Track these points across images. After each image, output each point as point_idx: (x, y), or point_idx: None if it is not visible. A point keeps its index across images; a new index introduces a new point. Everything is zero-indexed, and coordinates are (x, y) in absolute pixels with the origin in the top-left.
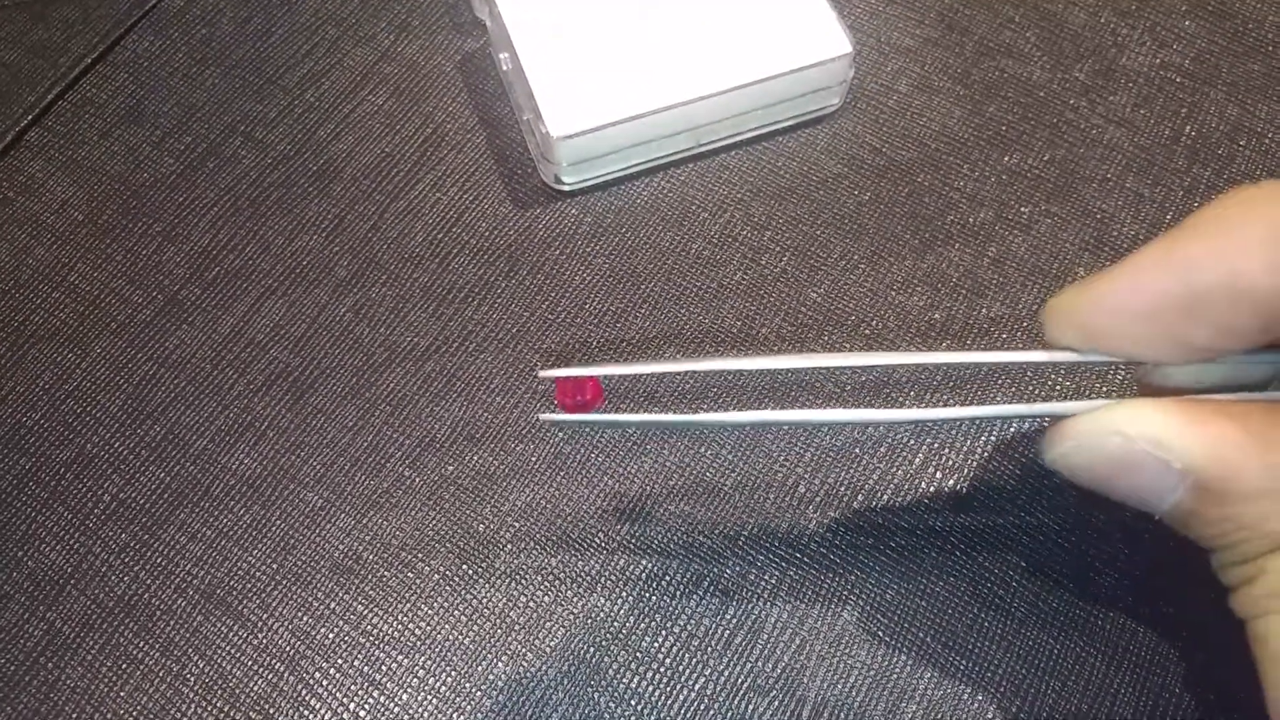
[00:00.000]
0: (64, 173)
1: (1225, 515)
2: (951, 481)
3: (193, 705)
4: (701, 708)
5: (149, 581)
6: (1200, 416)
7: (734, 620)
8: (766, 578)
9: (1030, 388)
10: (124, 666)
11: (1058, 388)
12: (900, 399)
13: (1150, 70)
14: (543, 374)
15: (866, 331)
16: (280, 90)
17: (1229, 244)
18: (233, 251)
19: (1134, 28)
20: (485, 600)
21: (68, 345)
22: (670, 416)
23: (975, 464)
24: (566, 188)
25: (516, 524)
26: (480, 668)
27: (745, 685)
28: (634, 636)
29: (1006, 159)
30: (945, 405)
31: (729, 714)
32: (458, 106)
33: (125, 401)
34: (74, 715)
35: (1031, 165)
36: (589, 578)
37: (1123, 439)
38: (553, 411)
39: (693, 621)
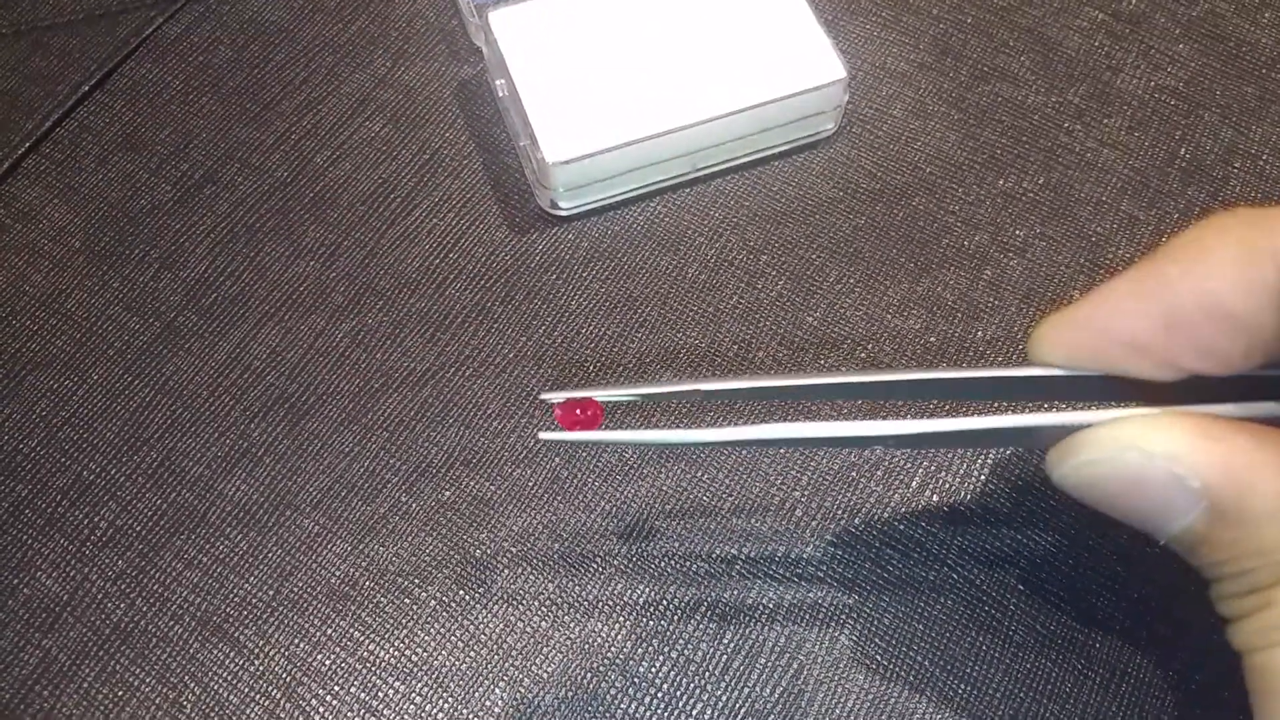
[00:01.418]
0: (61, 199)
1: (1237, 539)
2: (948, 505)
3: None
4: None
5: (145, 609)
6: (1217, 432)
7: (731, 644)
8: (764, 602)
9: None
10: (120, 694)
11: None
12: None
13: (1144, 93)
14: (544, 397)
15: (863, 355)
16: (277, 117)
17: (1203, 267)
18: (229, 278)
19: (1128, 51)
20: (482, 626)
21: (65, 372)
22: (670, 435)
23: (971, 487)
24: (563, 213)
25: (513, 549)
26: (478, 694)
27: (743, 710)
28: (631, 662)
29: (1001, 182)
30: (944, 417)
31: None
32: (454, 133)
33: (122, 428)
34: None
35: (1026, 189)
36: (586, 603)
37: (1137, 454)
38: (552, 430)
39: (690, 646)
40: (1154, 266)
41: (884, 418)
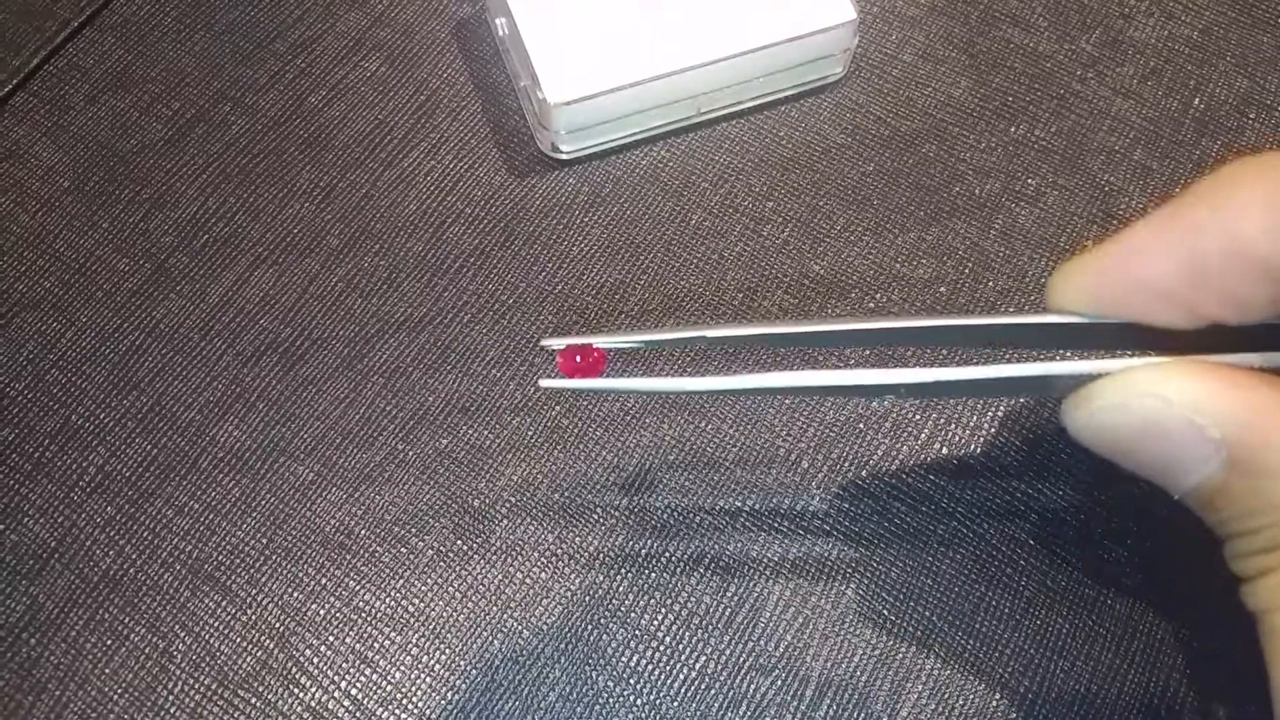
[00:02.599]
0: (50, 139)
1: (1255, 492)
2: (957, 457)
3: (180, 683)
4: (702, 687)
5: (135, 556)
6: (1238, 381)
7: (735, 598)
8: (769, 554)
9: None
10: (109, 643)
11: None
12: None
13: (1158, 42)
14: (545, 343)
15: (870, 304)
16: (271, 55)
17: (1229, 208)
18: (222, 220)
19: None
20: (480, 576)
21: (53, 314)
22: (674, 383)
23: (981, 440)
24: (564, 156)
25: (512, 499)
26: (475, 645)
27: (747, 664)
28: (633, 614)
29: (1013, 130)
30: (955, 365)
31: (730, 693)
32: (453, 73)
33: (111, 372)
34: (57, 693)
35: (1038, 137)
36: (587, 554)
37: (1157, 401)
38: (554, 377)
39: (693, 599)
40: (1180, 209)
41: (894, 366)
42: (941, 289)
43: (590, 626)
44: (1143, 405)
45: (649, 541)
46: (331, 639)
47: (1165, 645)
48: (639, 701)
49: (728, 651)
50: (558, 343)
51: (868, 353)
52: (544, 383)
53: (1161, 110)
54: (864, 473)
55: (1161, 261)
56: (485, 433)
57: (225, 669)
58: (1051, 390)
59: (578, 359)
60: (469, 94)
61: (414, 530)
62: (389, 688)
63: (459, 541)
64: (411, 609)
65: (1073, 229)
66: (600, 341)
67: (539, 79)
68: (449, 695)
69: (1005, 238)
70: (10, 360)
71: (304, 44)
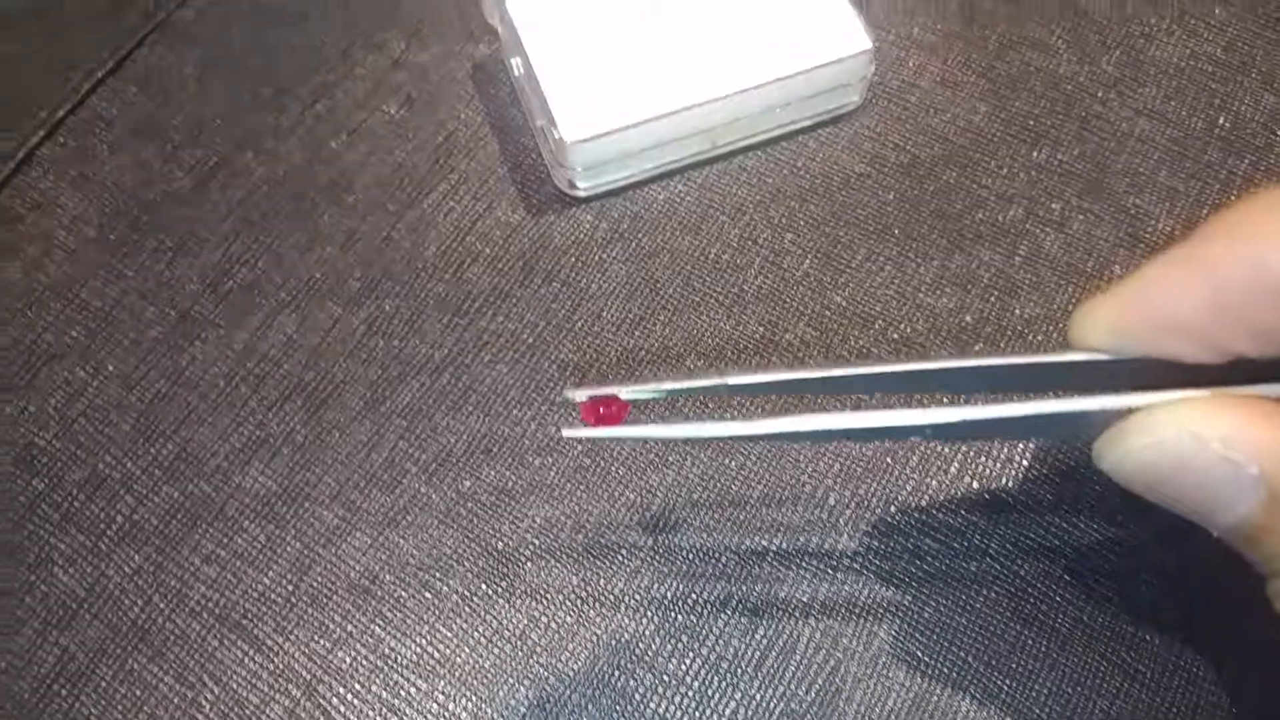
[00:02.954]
0: (75, 188)
1: None
2: (989, 492)
3: None
4: None
5: (162, 605)
6: (1273, 415)
7: (765, 641)
8: (798, 595)
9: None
10: (138, 693)
11: None
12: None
13: (1180, 60)
14: (568, 394)
15: (894, 335)
16: (292, 101)
17: (1252, 239)
18: (245, 265)
19: (1162, 17)
20: (506, 621)
21: (79, 363)
22: (696, 429)
23: (1013, 473)
24: (581, 193)
25: (536, 541)
26: (502, 692)
27: (778, 710)
28: (660, 658)
29: (1035, 154)
30: (982, 404)
31: None
32: (470, 114)
33: (138, 420)
34: None
35: (1061, 160)
36: (613, 597)
37: (1191, 438)
38: (576, 426)
39: (721, 642)
40: (1200, 243)
41: (919, 406)
42: (967, 318)
43: (617, 672)
44: (1177, 443)
45: (675, 583)
46: (358, 687)
47: (1206, 683)
48: None
49: (758, 697)
50: (580, 394)
51: (891, 388)
52: (567, 432)
53: (1186, 130)
54: (893, 509)
55: (1184, 296)
56: (508, 474)
57: (252, 719)
58: (1081, 432)
59: (600, 410)
60: (486, 134)
61: (438, 574)
62: None
63: (483, 585)
64: (437, 655)
65: (1099, 254)
66: (622, 392)
67: (554, 118)
68: None
69: (1030, 264)
70: (39, 410)
71: (324, 89)
